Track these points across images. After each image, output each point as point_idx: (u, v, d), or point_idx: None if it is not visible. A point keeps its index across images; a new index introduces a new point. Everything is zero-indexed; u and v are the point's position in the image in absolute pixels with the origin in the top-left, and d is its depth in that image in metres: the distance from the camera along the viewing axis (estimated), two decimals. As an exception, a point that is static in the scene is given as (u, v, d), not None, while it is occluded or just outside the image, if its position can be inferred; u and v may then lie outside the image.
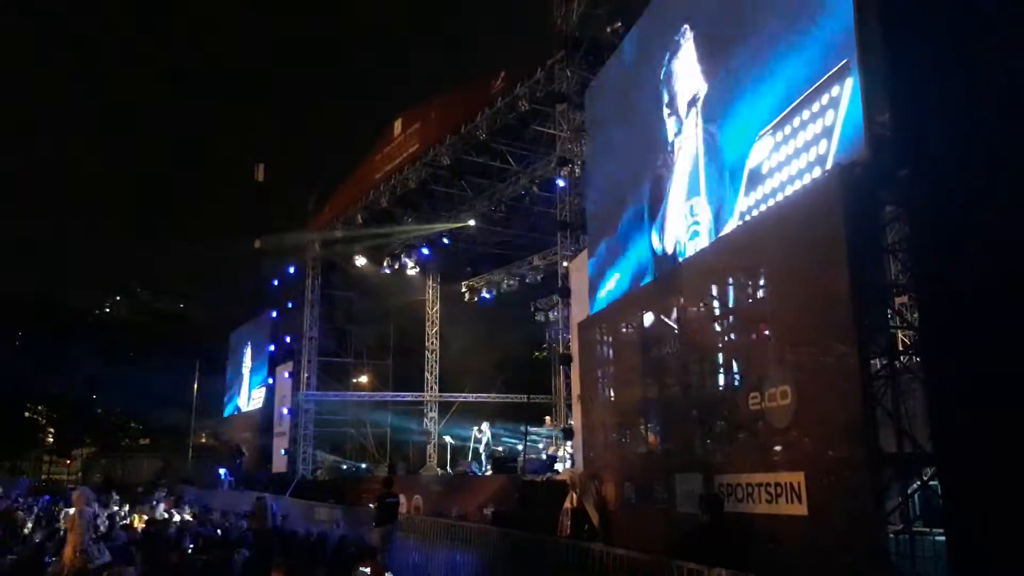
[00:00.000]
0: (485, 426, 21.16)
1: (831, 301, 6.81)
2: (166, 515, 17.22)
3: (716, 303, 9.11)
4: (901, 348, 7.62)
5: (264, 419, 30.78)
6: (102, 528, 9.65)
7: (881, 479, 6.43)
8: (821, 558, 6.68)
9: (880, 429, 6.46)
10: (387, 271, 26.65)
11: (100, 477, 44.54)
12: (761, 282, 8.27)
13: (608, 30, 14.42)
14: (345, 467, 26.94)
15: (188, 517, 17.18)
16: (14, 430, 56.06)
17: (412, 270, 26.79)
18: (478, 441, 20.96)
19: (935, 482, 6.52)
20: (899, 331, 7.89)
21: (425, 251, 24.40)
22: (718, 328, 9.17)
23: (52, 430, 63.23)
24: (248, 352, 35.70)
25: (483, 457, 20.29)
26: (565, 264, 15.53)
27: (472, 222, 21.72)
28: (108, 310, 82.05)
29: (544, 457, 17.35)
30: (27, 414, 60.50)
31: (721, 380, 9.10)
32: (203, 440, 47.17)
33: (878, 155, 6.93)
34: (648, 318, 10.76)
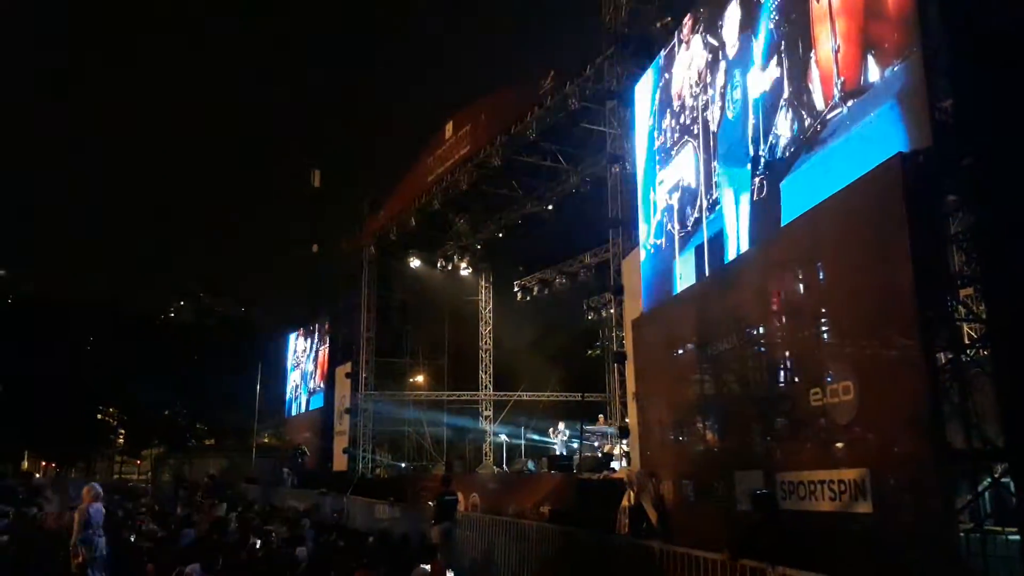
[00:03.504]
0: (561, 426, 21.10)
1: (893, 293, 6.66)
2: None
3: (774, 297, 8.98)
4: (967, 341, 7.41)
5: (324, 419, 31.33)
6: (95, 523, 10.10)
7: (950, 476, 6.26)
8: (888, 557, 6.54)
9: (947, 424, 6.30)
10: (440, 272, 26.95)
11: (169, 476, 45.89)
12: (820, 275, 8.13)
13: (658, 25, 14.30)
14: (404, 465, 27.27)
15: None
16: (88, 432, 58.14)
17: (465, 271, 27.01)
18: (556, 439, 20.86)
19: (1007, 479, 6.34)
20: (964, 324, 7.67)
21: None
22: (777, 323, 9.04)
23: (123, 432, 65.40)
24: (307, 353, 36.38)
25: (560, 455, 20.04)
26: (618, 261, 15.45)
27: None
28: (173, 314, 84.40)
29: (600, 455, 17.30)
30: (99, 416, 62.68)
31: (781, 376, 8.97)
32: (266, 440, 48.25)
33: (941, 143, 6.75)
34: (704, 314, 10.66)
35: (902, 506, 6.54)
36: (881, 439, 6.87)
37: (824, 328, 8.10)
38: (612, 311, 16.95)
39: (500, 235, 24.39)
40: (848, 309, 7.53)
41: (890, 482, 6.70)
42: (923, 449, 6.28)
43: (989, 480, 6.38)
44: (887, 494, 6.70)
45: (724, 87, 10.79)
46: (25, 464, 55.16)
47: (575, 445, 20.69)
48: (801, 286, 8.51)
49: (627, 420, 14.22)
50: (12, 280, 66.66)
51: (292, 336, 39.00)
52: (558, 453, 20.14)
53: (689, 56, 12.06)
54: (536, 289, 26.93)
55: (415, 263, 26.97)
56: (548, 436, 21.53)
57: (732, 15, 10.65)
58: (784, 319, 8.86)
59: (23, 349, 49.39)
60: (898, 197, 6.67)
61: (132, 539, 12.52)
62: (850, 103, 7.95)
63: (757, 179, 9.69)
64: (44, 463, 57.16)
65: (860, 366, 7.14)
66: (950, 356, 6.59)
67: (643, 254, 13.39)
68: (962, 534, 6.11)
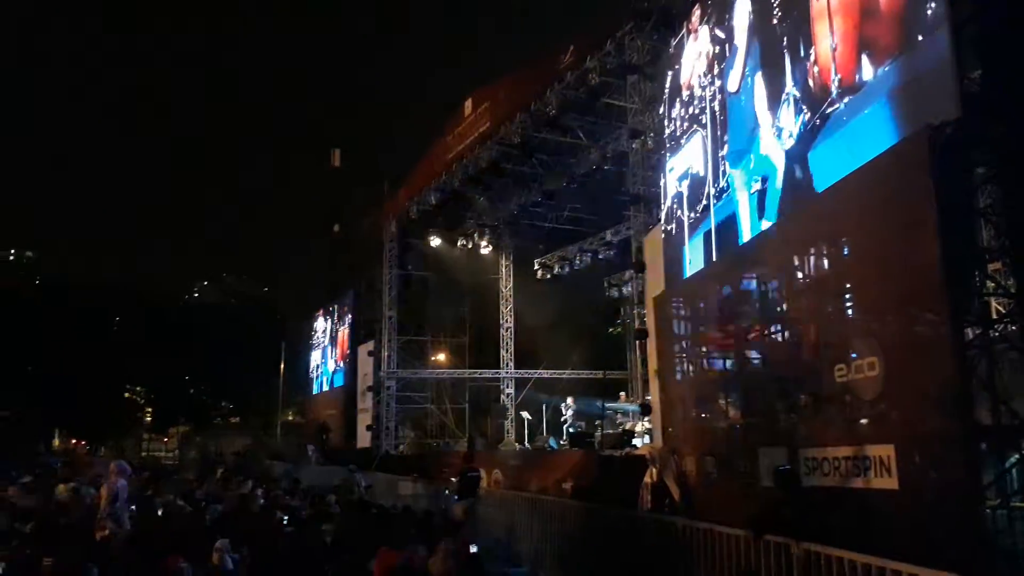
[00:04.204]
0: (570, 400, 21.35)
1: (920, 268, 6.56)
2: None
3: (799, 273, 8.92)
4: (995, 316, 7.30)
5: (347, 397, 31.62)
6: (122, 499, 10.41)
7: (977, 452, 6.20)
8: (914, 533, 6.50)
9: (975, 400, 6.23)
10: (461, 250, 26.95)
11: (195, 453, 46.61)
12: (845, 250, 8.05)
13: (679, -3, 14.07)
14: (427, 442, 27.50)
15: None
16: (116, 411, 59.19)
17: (485, 249, 27.00)
18: (565, 416, 21.17)
19: (1035, 455, 6.27)
20: (993, 298, 7.56)
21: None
22: (801, 299, 8.97)
23: (150, 410, 66.50)
24: (330, 332, 36.66)
25: (567, 431, 20.46)
26: (639, 238, 15.36)
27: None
28: (196, 295, 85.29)
29: (622, 432, 17.32)
30: (127, 395, 63.75)
31: (805, 352, 8.90)
32: (290, 418, 48.83)
33: (969, 114, 6.63)
34: (727, 290, 10.61)
35: (928, 483, 6.49)
36: (907, 415, 6.81)
37: (849, 304, 8.04)
38: (633, 288, 16.88)
39: (520, 213, 24.32)
40: (874, 284, 7.45)
41: (916, 458, 6.64)
42: (950, 425, 6.21)
43: (1017, 456, 6.31)
44: (913, 470, 6.64)
45: (730, 80, 11.05)
46: (56, 442, 56.29)
47: (586, 422, 20.84)
48: (825, 261, 8.44)
49: (649, 397, 14.20)
50: (41, 262, 67.64)
51: (314, 315, 39.31)
52: (569, 429, 20.37)
53: (697, 47, 12.31)
54: (557, 267, 26.86)
55: (436, 242, 27.00)
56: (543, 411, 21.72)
57: (738, 10, 10.93)
58: (808, 295, 8.80)
59: (52, 329, 50.21)
60: (925, 170, 6.56)
61: (159, 514, 12.73)
62: (846, 99, 8.32)
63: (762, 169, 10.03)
64: (74, 441, 58.25)
65: (886, 342, 7.06)
66: (978, 331, 6.49)
67: (662, 234, 13.42)
68: (989, 511, 6.06)
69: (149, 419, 66.61)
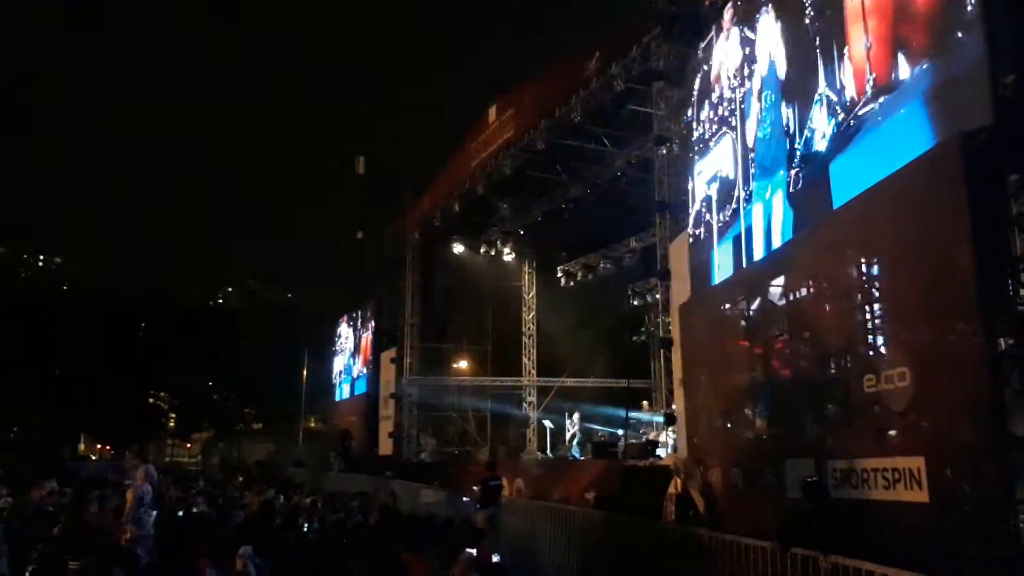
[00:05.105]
0: (575, 416, 21.26)
1: (952, 277, 6.46)
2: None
3: (828, 280, 8.80)
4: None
5: (369, 404, 31.69)
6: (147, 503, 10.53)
7: (1010, 464, 6.08)
8: (944, 547, 6.38)
9: (1008, 412, 6.11)
10: (483, 258, 26.96)
11: (217, 460, 46.94)
12: (875, 259, 7.94)
13: (706, 3, 13.98)
14: (449, 450, 27.48)
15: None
16: (140, 416, 59.76)
17: (508, 256, 26.97)
18: (573, 431, 21.12)
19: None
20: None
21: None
22: (829, 308, 8.84)
23: (173, 416, 67.06)
24: (353, 339, 36.80)
25: (575, 444, 20.38)
26: (664, 245, 15.25)
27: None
28: (221, 301, 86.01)
29: (645, 442, 17.19)
30: (151, 400, 64.33)
31: (833, 362, 8.78)
32: (312, 425, 49.02)
33: (1003, 121, 6.52)
34: (754, 299, 10.49)
35: (959, 495, 6.37)
36: (938, 427, 6.69)
37: (879, 313, 7.92)
38: (658, 296, 16.79)
39: (543, 220, 24.29)
40: (904, 293, 7.34)
41: (947, 471, 6.53)
42: (982, 437, 6.11)
43: (1052, 469, 6.17)
44: (943, 483, 6.54)
45: (761, 81, 10.89)
46: (82, 447, 56.96)
47: (601, 434, 20.73)
48: (854, 270, 8.32)
49: (674, 407, 14.07)
50: (68, 268, 68.62)
51: (338, 322, 39.48)
52: (575, 443, 20.33)
53: (728, 47, 12.16)
54: (580, 274, 26.76)
55: (458, 249, 27.04)
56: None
57: (769, 11, 10.78)
58: (838, 303, 8.67)
59: (78, 336, 50.81)
60: (957, 177, 6.48)
61: (182, 519, 12.80)
62: (881, 99, 8.16)
63: (793, 172, 9.84)
64: (99, 446, 58.92)
65: (917, 352, 6.96)
66: (1011, 342, 6.38)
67: (689, 240, 13.29)
68: (1022, 524, 5.93)
69: (172, 424, 67.21)
